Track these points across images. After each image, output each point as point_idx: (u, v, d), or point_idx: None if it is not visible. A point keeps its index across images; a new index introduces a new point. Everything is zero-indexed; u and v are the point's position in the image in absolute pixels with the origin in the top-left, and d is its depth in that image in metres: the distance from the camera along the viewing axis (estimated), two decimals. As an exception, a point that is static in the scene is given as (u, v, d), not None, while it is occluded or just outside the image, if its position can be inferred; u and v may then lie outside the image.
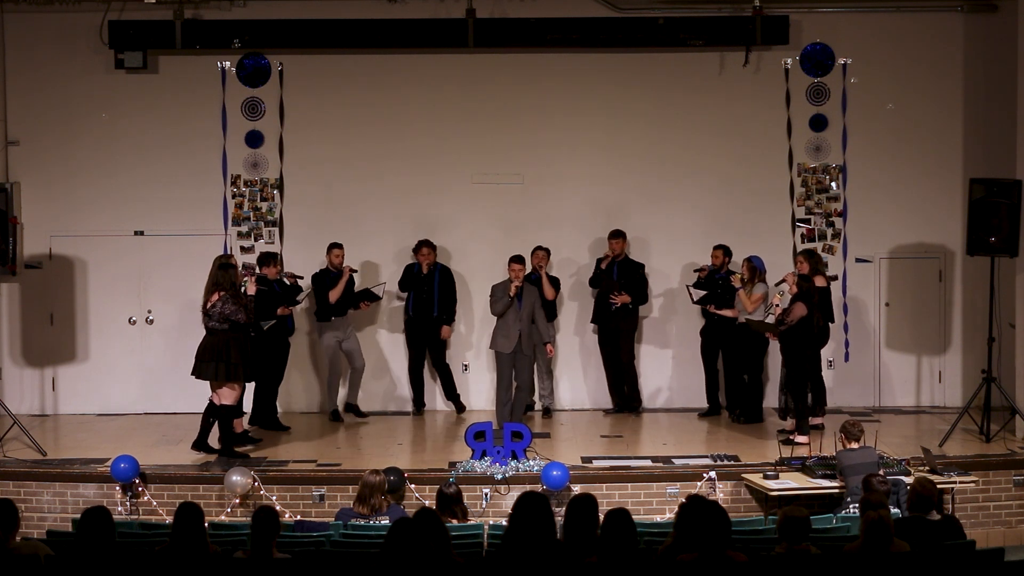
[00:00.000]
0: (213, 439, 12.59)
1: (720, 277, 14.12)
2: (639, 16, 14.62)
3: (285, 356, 14.00)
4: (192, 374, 12.47)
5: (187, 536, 7.91)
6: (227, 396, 12.33)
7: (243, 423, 13.29)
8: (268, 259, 13.69)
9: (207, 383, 12.47)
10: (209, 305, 12.24)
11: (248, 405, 13.63)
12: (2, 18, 14.68)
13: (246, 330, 12.35)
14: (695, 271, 14.39)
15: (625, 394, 14.63)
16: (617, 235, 14.37)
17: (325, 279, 14.13)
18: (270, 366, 13.65)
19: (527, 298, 13.31)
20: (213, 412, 12.46)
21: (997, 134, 14.41)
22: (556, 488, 11.43)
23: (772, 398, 14.16)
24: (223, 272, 12.28)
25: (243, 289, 12.70)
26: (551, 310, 14.45)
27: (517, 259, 13.45)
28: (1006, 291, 13.46)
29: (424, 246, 14.33)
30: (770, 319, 13.15)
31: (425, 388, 14.75)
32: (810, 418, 12.95)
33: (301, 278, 13.99)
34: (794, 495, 11.19)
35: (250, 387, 13.37)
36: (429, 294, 14.33)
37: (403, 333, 14.75)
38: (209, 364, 12.23)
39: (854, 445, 11.23)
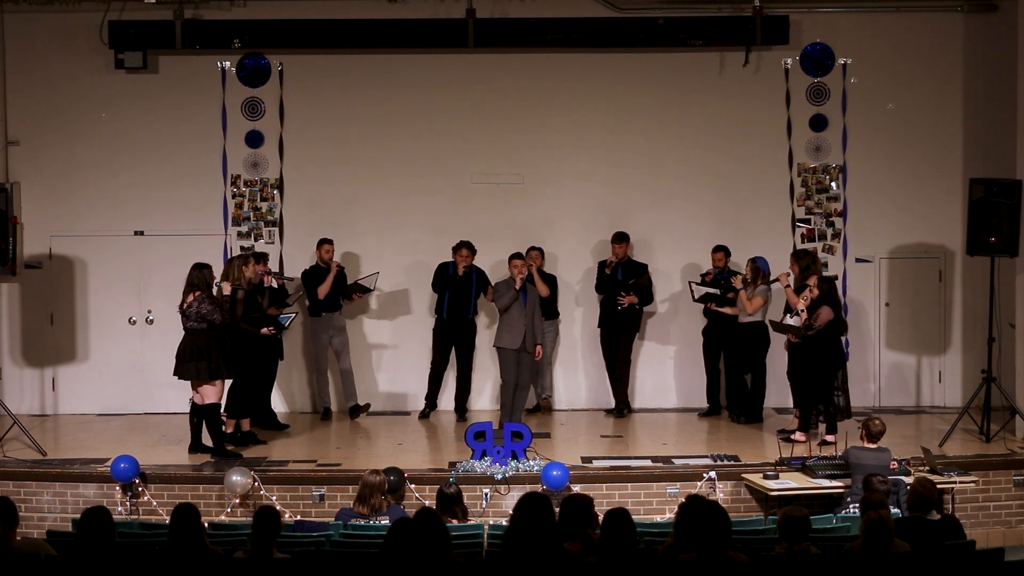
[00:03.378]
0: (207, 438, 12.66)
1: (723, 277, 14.12)
2: (639, 16, 14.62)
3: (278, 355, 13.98)
4: (174, 375, 12.55)
5: (185, 537, 7.91)
6: (210, 394, 12.38)
7: (247, 423, 13.30)
8: (258, 258, 13.66)
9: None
10: (185, 305, 12.35)
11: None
12: (2, 18, 14.69)
13: (224, 328, 12.39)
14: (702, 275, 14.36)
15: (617, 395, 14.61)
16: (620, 238, 14.36)
17: (315, 275, 14.15)
18: (264, 365, 13.60)
19: (531, 296, 13.34)
20: (197, 413, 12.53)
21: (997, 134, 14.41)
22: (556, 488, 11.42)
23: (772, 398, 14.16)
24: (198, 272, 12.41)
25: (266, 285, 13.06)
26: (552, 308, 14.44)
27: (518, 256, 13.51)
28: (1006, 291, 13.45)
29: (464, 247, 14.19)
30: (790, 321, 13.06)
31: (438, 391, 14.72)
32: (826, 435, 12.89)
33: (290, 279, 13.99)
34: (794, 495, 11.18)
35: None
36: (465, 296, 14.28)
37: (432, 334, 14.63)
38: (191, 364, 12.31)
39: (871, 445, 11.21)
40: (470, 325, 14.42)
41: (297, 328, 14.46)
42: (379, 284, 14.59)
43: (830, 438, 12.68)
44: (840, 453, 11.69)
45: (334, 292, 14.13)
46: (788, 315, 13.19)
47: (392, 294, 14.60)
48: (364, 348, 14.86)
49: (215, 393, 12.39)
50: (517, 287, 13.24)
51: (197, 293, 12.30)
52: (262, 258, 13.62)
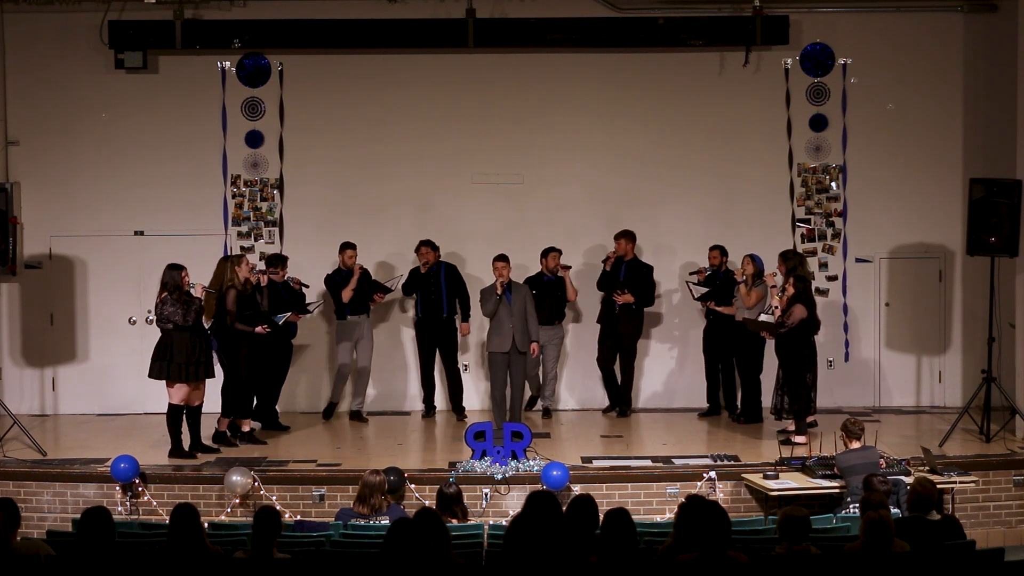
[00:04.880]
0: (206, 437, 12.76)
1: (719, 277, 14.12)
2: (639, 16, 14.62)
3: (287, 358, 14.02)
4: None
5: (184, 537, 7.91)
6: (173, 395, 12.42)
7: (247, 423, 13.33)
8: (276, 261, 13.71)
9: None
10: (154, 305, 12.47)
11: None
12: (2, 18, 14.69)
13: (197, 330, 12.42)
14: (691, 273, 14.39)
15: (619, 395, 14.61)
16: (623, 235, 14.35)
17: (337, 279, 14.14)
18: (270, 367, 13.64)
19: (517, 296, 13.31)
20: (190, 414, 12.60)
21: (997, 134, 14.41)
22: (556, 488, 11.42)
23: (771, 398, 14.13)
24: (168, 272, 12.45)
25: (262, 283, 13.03)
26: (560, 310, 14.44)
27: (501, 258, 13.49)
28: (1006, 291, 13.45)
29: (423, 246, 14.30)
30: (764, 318, 13.11)
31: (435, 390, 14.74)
32: (796, 436, 12.88)
33: (307, 286, 13.98)
34: (794, 495, 11.18)
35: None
36: (437, 294, 14.30)
37: (414, 335, 14.72)
38: (155, 363, 12.42)
39: (855, 444, 11.23)
40: (447, 325, 14.40)
41: (301, 330, 14.43)
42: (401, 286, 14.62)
43: (800, 439, 12.65)
44: (814, 455, 11.81)
45: (359, 295, 14.12)
46: (763, 313, 13.23)
47: (394, 293, 14.62)
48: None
49: (178, 395, 12.41)
50: (498, 292, 13.24)
51: (163, 294, 12.36)
52: (281, 261, 13.65)
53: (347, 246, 14.17)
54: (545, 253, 14.34)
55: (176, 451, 12.46)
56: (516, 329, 13.28)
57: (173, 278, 12.39)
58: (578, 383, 15.09)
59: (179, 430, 12.50)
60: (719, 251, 14.22)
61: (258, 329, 12.86)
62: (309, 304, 13.96)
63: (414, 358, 14.86)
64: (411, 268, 14.48)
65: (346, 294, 14.03)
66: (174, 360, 12.31)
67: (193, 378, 12.43)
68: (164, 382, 12.49)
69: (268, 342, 13.23)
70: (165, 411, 12.56)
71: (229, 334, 12.74)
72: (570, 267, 14.38)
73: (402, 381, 15.01)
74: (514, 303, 13.29)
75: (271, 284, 13.41)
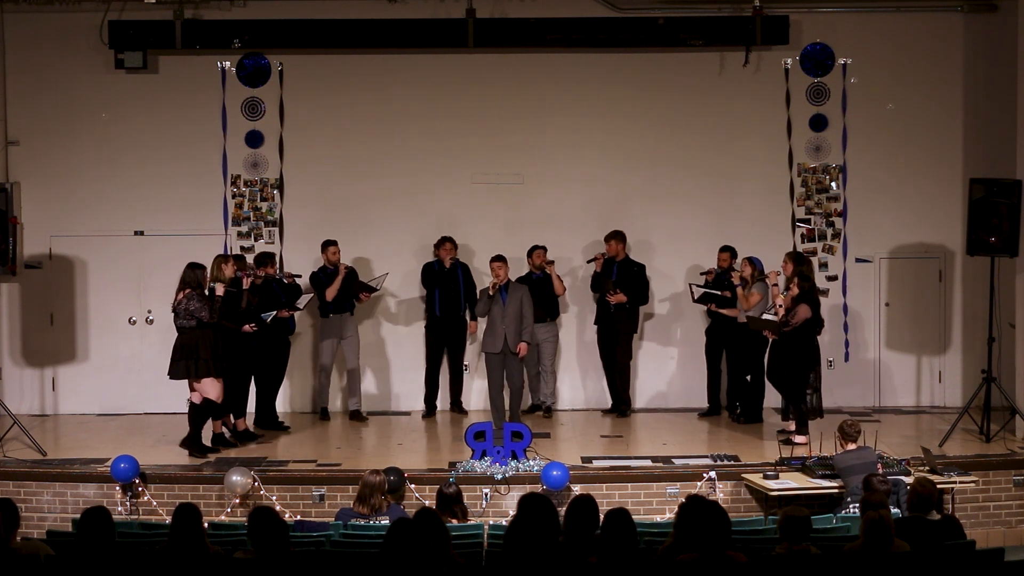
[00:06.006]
0: (206, 437, 12.76)
1: (727, 279, 14.10)
2: (639, 16, 14.63)
3: (285, 356, 14.02)
4: (168, 375, 12.57)
5: (185, 537, 7.91)
6: (210, 391, 12.42)
7: (246, 422, 13.35)
8: (264, 259, 13.72)
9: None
10: (175, 303, 12.40)
11: (250, 405, 13.64)
12: (2, 18, 14.69)
13: (215, 327, 12.42)
14: (701, 274, 14.37)
15: (617, 395, 14.61)
16: (613, 236, 14.36)
17: (322, 277, 14.15)
18: (270, 365, 13.66)
19: (513, 297, 13.29)
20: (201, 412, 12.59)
21: (997, 134, 14.42)
22: (556, 488, 11.43)
23: (772, 398, 14.14)
24: (190, 271, 12.48)
25: (244, 286, 12.86)
26: (554, 309, 14.45)
27: (497, 258, 13.49)
28: (1006, 291, 13.45)
29: (447, 242, 14.30)
30: (768, 317, 13.11)
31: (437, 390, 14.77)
32: (796, 436, 12.88)
33: (299, 276, 13.99)
34: (794, 495, 11.18)
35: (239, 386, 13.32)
36: (455, 292, 14.31)
37: (424, 333, 14.71)
38: (180, 363, 12.39)
39: (851, 446, 11.24)
40: (462, 323, 14.46)
41: (302, 329, 14.43)
42: (385, 286, 14.59)
43: (800, 439, 12.64)
44: (814, 455, 11.79)
45: (343, 294, 14.12)
46: (767, 312, 13.23)
47: (393, 292, 14.59)
48: (365, 348, 14.83)
49: (215, 391, 12.41)
50: (491, 293, 13.24)
51: (187, 291, 12.35)
52: (269, 259, 13.66)
53: (329, 243, 14.18)
54: (530, 252, 14.37)
55: (194, 446, 12.42)
56: (508, 330, 13.27)
57: (196, 276, 12.43)
58: (578, 383, 15.09)
59: (201, 427, 12.49)
60: (729, 253, 14.19)
61: (246, 328, 12.87)
62: (298, 301, 13.94)
63: (414, 358, 14.86)
64: (424, 264, 14.46)
65: (330, 293, 14.03)
66: (200, 357, 12.31)
67: (220, 373, 12.44)
68: (187, 381, 12.48)
69: (265, 341, 13.21)
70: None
71: (233, 335, 12.75)
72: (552, 261, 14.36)
73: (402, 381, 15.01)
74: (508, 304, 13.27)
75: (265, 281, 13.41)
